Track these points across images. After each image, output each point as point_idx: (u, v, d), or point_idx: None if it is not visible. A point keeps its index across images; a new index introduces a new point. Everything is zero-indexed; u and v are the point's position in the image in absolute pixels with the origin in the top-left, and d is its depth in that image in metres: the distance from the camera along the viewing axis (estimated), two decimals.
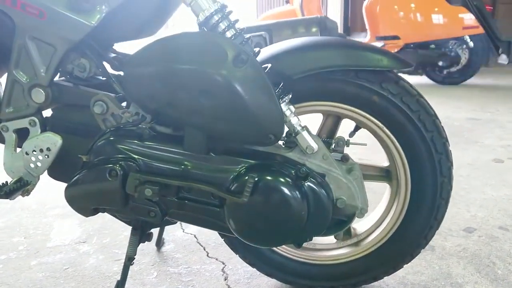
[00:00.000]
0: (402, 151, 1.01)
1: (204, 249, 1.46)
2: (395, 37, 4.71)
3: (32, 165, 1.05)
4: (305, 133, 0.94)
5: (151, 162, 0.94)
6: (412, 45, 4.70)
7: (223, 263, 1.37)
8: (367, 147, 1.08)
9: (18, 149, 1.08)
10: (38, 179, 1.08)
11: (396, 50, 4.71)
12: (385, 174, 1.11)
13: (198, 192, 0.94)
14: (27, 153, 1.04)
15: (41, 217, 1.78)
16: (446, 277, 1.26)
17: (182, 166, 0.93)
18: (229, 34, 0.90)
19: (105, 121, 1.04)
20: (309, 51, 0.96)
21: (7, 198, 1.02)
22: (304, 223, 0.90)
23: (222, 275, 1.31)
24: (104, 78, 1.09)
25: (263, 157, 0.95)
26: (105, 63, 1.06)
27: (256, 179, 0.86)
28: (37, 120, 1.05)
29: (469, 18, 4.55)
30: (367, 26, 4.96)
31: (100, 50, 1.04)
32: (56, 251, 1.49)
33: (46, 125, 1.07)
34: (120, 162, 0.94)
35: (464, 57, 4.75)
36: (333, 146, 1.01)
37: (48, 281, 1.31)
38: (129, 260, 1.09)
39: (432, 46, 4.71)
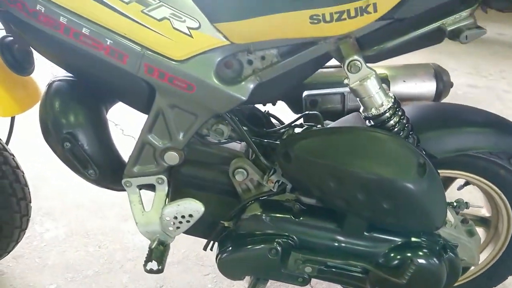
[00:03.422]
0: None
1: None
2: None
3: (171, 228, 1.07)
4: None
5: (308, 240, 1.00)
6: None
7: None
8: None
9: (145, 202, 1.08)
10: (174, 238, 1.10)
11: None
12: (483, 221, 1.25)
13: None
14: (167, 219, 1.05)
15: (101, 218, 1.77)
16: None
17: (339, 244, 1.00)
18: (396, 128, 0.91)
19: (242, 184, 1.06)
20: (454, 131, 1.01)
21: (161, 272, 1.04)
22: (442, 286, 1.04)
23: None
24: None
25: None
26: None
27: (414, 261, 0.96)
28: (165, 178, 1.05)
29: None
30: None
31: (239, 117, 1.02)
32: (139, 264, 1.54)
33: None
34: (278, 240, 0.99)
35: None
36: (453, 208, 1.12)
37: None
38: None
39: None
